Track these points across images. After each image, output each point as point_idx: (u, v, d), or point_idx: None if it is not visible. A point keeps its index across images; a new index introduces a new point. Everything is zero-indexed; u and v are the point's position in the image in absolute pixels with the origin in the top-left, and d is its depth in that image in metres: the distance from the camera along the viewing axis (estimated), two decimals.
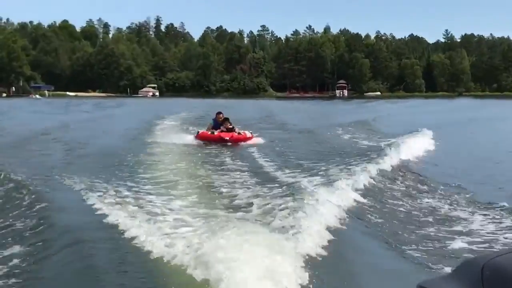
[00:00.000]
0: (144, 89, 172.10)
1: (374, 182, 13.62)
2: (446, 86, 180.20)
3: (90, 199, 11.00)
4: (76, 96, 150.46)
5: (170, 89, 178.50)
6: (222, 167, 16.23)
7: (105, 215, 9.70)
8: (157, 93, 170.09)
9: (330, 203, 10.30)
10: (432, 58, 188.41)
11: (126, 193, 11.69)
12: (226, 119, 24.75)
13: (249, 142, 23.86)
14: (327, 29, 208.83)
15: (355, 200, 11.40)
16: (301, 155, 19.56)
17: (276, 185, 12.78)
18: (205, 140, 23.70)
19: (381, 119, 41.00)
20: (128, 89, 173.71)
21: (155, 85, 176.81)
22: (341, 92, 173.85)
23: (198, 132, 24.67)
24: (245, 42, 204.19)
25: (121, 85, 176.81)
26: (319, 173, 14.51)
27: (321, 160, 17.82)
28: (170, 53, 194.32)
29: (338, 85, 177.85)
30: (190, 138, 24.67)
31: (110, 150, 20.32)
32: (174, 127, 32.20)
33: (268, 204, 10.62)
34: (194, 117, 41.82)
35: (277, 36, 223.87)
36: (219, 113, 25.35)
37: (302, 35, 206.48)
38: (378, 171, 14.90)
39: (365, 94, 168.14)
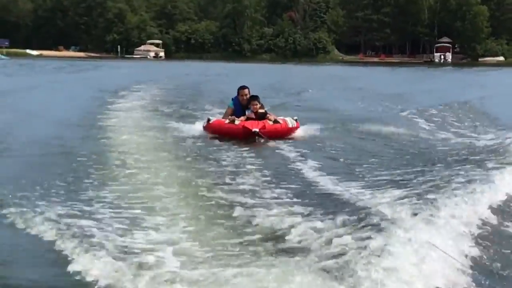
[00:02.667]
0: (143, 47, 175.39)
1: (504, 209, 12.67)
2: None
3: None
4: (40, 55, 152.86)
5: (181, 48, 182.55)
6: (243, 183, 14.94)
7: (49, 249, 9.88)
8: (162, 54, 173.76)
9: (433, 247, 9.38)
10: None
11: (72, 214, 11.75)
12: (254, 98, 22.99)
13: (293, 135, 22.44)
14: None
15: (475, 243, 10.42)
16: (377, 158, 18.57)
17: (338, 209, 12.15)
18: (220, 133, 22.18)
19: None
20: (119, 46, 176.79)
21: (160, 42, 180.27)
22: (443, 56, 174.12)
23: (210, 119, 23.21)
24: None
25: (108, 41, 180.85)
26: (409, 192, 13.38)
27: (408, 167, 16.73)
28: None
29: (438, 45, 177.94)
30: (196, 128, 23.59)
31: (48, 144, 20.18)
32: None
33: (324, 240, 10.13)
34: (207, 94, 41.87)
35: None
36: (243, 87, 23.61)
37: None
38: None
39: (479, 60, 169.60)
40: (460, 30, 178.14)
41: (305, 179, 15.28)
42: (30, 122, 26.84)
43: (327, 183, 14.81)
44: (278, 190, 13.90)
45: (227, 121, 22.30)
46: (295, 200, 12.97)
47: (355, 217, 11.25)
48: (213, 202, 12.80)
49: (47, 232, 10.57)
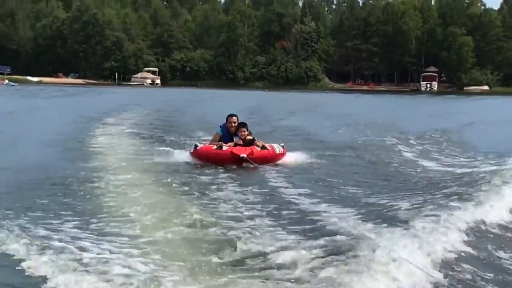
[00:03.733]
0: (140, 75, 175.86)
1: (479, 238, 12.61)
2: None
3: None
4: (40, 82, 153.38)
5: (177, 75, 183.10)
6: (230, 209, 14.66)
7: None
8: (158, 81, 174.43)
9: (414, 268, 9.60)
10: None
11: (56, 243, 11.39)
12: (243, 125, 22.64)
13: (280, 161, 22.14)
14: None
15: (448, 266, 10.52)
16: (364, 186, 18.39)
17: (323, 234, 12.16)
18: (207, 159, 21.75)
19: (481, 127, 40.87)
20: (117, 73, 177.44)
21: (156, 69, 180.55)
22: (429, 85, 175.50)
23: (197, 146, 22.56)
24: (293, 8, 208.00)
25: (106, 68, 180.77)
26: (398, 219, 13.37)
27: (394, 195, 16.57)
28: (180, 22, 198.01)
29: (424, 74, 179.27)
30: (182, 155, 23.18)
31: (28, 170, 19.69)
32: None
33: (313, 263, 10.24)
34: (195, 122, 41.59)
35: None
36: (232, 115, 23.21)
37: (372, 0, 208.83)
38: (483, 219, 13.72)
39: (465, 89, 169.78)
40: (446, 60, 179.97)
41: (291, 204, 15.14)
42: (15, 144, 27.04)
43: (310, 206, 14.81)
44: (264, 215, 13.83)
45: (214, 147, 21.87)
46: (281, 224, 12.97)
47: (339, 241, 11.33)
48: (197, 228, 12.65)
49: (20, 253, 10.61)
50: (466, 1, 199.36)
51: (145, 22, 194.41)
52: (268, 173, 20.10)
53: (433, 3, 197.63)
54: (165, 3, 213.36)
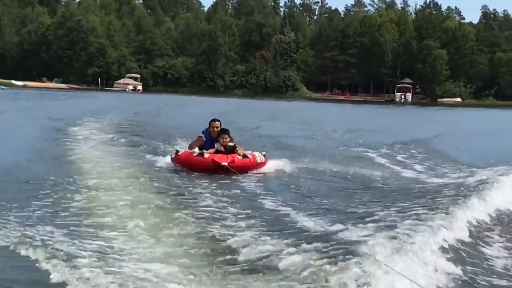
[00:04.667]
0: (122, 81, 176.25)
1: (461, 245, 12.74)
2: None
3: None
4: (25, 86, 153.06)
5: (159, 82, 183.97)
6: (214, 219, 14.27)
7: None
8: (140, 87, 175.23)
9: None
10: None
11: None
12: (225, 132, 22.23)
13: (261, 170, 21.90)
14: (390, 4, 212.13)
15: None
16: (342, 194, 18.48)
17: (309, 240, 12.08)
18: (188, 165, 21.37)
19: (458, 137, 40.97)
20: (99, 79, 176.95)
21: (138, 76, 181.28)
22: (403, 96, 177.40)
23: (178, 151, 22.14)
24: (273, 19, 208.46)
25: (89, 74, 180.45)
26: (373, 224, 13.45)
27: (376, 205, 16.55)
28: (162, 30, 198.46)
29: (399, 85, 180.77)
30: (163, 160, 22.86)
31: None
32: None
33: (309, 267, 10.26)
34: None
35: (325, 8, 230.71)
36: (215, 120, 22.61)
37: (353, 11, 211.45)
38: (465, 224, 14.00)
39: (438, 100, 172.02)
40: (421, 72, 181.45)
41: (271, 211, 15.19)
42: None
43: (290, 214, 14.75)
44: (245, 220, 13.86)
45: (196, 153, 21.47)
46: (261, 230, 12.90)
47: (324, 248, 11.22)
48: (176, 233, 12.55)
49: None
50: (442, 15, 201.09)
51: (128, 29, 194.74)
52: (252, 180, 19.86)
53: (409, 17, 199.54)
54: (149, 10, 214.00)
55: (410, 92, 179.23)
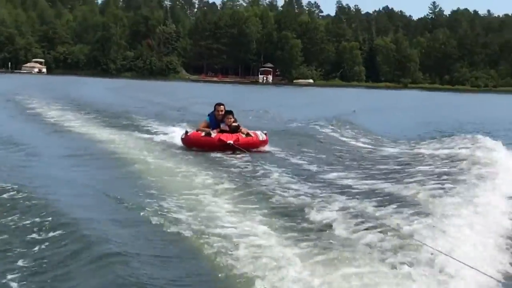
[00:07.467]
0: (29, 64, 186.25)
1: None
2: (391, 75, 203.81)
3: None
4: None
5: (60, 65, 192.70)
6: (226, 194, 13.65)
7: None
8: (44, 70, 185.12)
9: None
10: (376, 41, 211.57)
11: None
12: (229, 113, 21.94)
13: (262, 148, 21.70)
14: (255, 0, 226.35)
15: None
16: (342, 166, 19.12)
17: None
18: (197, 145, 20.97)
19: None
20: (10, 63, 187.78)
21: (43, 60, 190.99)
22: (265, 78, 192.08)
23: (187, 132, 21.65)
24: (157, 12, 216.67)
25: (0, 58, 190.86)
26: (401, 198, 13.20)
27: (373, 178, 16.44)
28: (63, 21, 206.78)
29: (262, 69, 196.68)
30: (172, 140, 22.75)
31: None
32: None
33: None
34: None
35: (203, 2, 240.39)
36: (219, 104, 22.22)
37: (223, 7, 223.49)
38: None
39: (294, 81, 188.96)
40: (280, 58, 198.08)
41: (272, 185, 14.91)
42: None
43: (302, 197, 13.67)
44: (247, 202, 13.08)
45: (203, 133, 21.05)
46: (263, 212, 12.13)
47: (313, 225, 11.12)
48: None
49: None
50: (296, 11, 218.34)
51: (33, 20, 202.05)
52: (255, 158, 19.37)
53: (270, 12, 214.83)
54: (49, 3, 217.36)
55: (271, 75, 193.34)
